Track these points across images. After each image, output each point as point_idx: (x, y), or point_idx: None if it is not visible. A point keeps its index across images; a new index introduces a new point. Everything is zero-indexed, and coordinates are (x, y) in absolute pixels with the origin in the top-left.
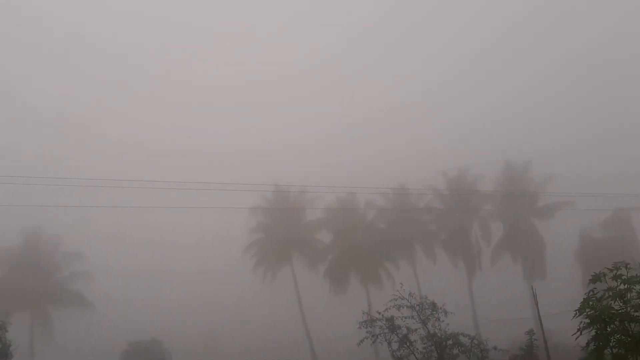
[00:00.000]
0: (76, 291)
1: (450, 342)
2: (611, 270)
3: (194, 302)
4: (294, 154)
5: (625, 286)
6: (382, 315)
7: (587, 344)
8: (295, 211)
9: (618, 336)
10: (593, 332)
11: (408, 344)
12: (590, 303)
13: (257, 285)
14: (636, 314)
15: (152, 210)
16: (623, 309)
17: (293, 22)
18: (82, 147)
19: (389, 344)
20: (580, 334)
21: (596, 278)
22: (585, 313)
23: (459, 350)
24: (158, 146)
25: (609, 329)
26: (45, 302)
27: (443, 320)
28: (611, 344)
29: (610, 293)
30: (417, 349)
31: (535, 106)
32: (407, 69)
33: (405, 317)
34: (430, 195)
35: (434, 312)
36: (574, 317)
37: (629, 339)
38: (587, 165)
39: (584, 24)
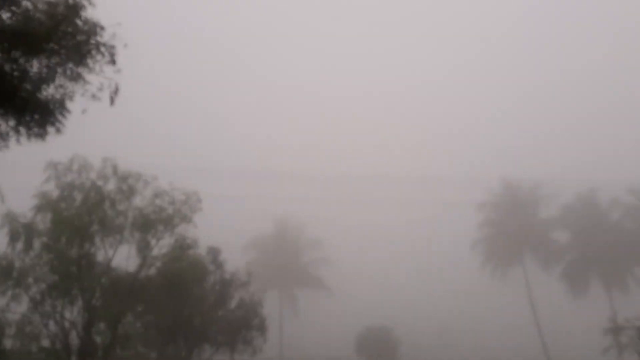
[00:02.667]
0: (317, 275)
1: None
2: None
3: (424, 295)
4: (530, 147)
5: None
6: (632, 323)
7: None
8: (526, 207)
9: None
10: None
11: None
12: None
13: (487, 281)
14: None
15: (383, 202)
16: None
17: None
18: (327, 143)
19: None
20: None
21: None
22: None
23: None
24: (390, 138)
25: None
26: (292, 283)
27: None
28: None
29: None
30: None
31: None
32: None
33: None
34: None
35: None
36: None
37: None
38: None
39: None
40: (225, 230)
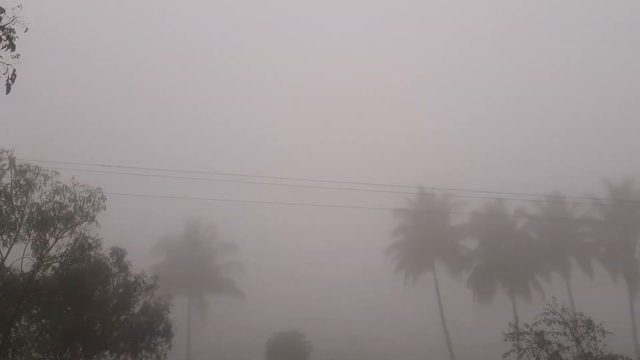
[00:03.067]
0: (229, 279)
1: None
2: None
3: (335, 301)
4: (441, 156)
5: None
6: (531, 329)
7: None
8: (439, 215)
9: None
10: None
11: None
12: None
13: (398, 288)
14: None
15: (301, 208)
16: None
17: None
18: (240, 146)
19: (538, 359)
20: None
21: None
22: None
23: None
24: (311, 147)
25: None
26: (202, 287)
27: (600, 340)
28: None
29: None
30: None
31: None
32: (550, 64)
33: (557, 334)
34: (588, 205)
35: (590, 331)
36: None
37: None
38: None
39: None
40: (132, 232)
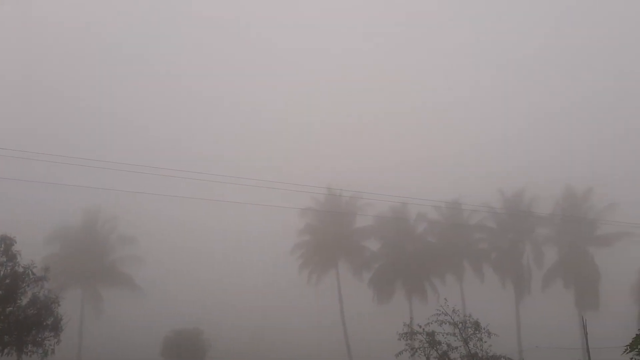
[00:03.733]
0: (127, 274)
1: None
2: None
3: (239, 296)
4: (349, 158)
5: None
6: (424, 329)
7: None
8: (345, 216)
9: None
10: None
11: None
12: None
13: (301, 286)
14: None
15: (207, 202)
16: None
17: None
18: (144, 136)
19: (428, 359)
20: None
21: None
22: (637, 350)
23: None
24: (219, 139)
25: None
26: (97, 281)
27: (486, 341)
28: None
29: None
30: None
31: (600, 125)
32: (461, 76)
33: (447, 334)
34: (484, 213)
35: (477, 332)
36: (624, 352)
37: None
38: None
39: None
40: (26, 220)
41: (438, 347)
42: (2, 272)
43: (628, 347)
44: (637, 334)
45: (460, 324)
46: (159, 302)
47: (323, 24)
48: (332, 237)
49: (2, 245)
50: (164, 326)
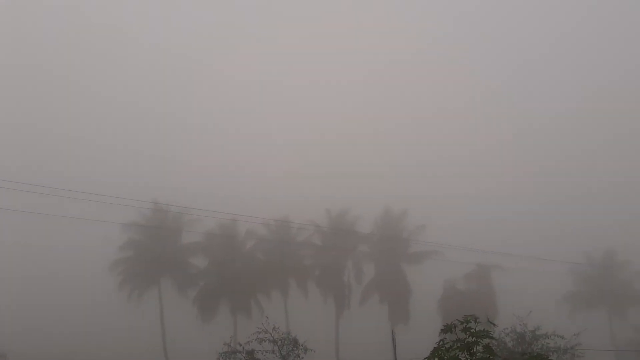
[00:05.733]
0: None
1: None
2: (461, 323)
3: (48, 317)
4: (178, 174)
5: (473, 339)
6: (243, 347)
7: None
8: (171, 232)
9: None
10: None
11: None
12: (439, 352)
13: (121, 304)
14: None
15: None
16: None
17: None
18: None
19: None
20: None
21: (447, 328)
22: None
23: None
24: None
25: None
26: None
27: (302, 358)
28: None
29: (459, 344)
30: None
31: (411, 153)
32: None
33: (266, 352)
34: (310, 231)
35: (295, 349)
36: None
37: None
38: (460, 217)
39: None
40: None
41: None
42: None
43: (426, 359)
44: (434, 347)
45: (280, 341)
46: None
47: None
48: (156, 253)
49: None
50: None
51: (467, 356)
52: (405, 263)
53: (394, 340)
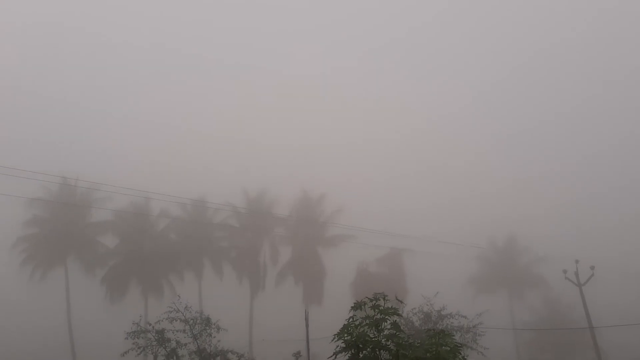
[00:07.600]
0: None
1: (218, 358)
2: (371, 300)
3: None
4: (94, 150)
5: (381, 316)
6: (153, 327)
7: None
8: (80, 208)
9: None
10: (347, 357)
11: (175, 358)
12: (349, 328)
13: (23, 283)
14: (387, 343)
15: None
16: (376, 337)
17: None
18: None
19: (155, 357)
20: (335, 357)
21: (357, 306)
22: (342, 338)
23: None
24: None
25: (361, 355)
26: None
27: (215, 337)
28: None
29: (367, 321)
30: None
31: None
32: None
33: (177, 331)
34: (227, 212)
35: (207, 328)
36: (332, 340)
37: None
38: (375, 202)
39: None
40: None
41: (167, 344)
42: None
43: (336, 335)
44: (344, 324)
45: (191, 320)
46: None
47: None
48: (63, 231)
49: None
50: None
51: (376, 332)
52: (321, 246)
53: (306, 319)
